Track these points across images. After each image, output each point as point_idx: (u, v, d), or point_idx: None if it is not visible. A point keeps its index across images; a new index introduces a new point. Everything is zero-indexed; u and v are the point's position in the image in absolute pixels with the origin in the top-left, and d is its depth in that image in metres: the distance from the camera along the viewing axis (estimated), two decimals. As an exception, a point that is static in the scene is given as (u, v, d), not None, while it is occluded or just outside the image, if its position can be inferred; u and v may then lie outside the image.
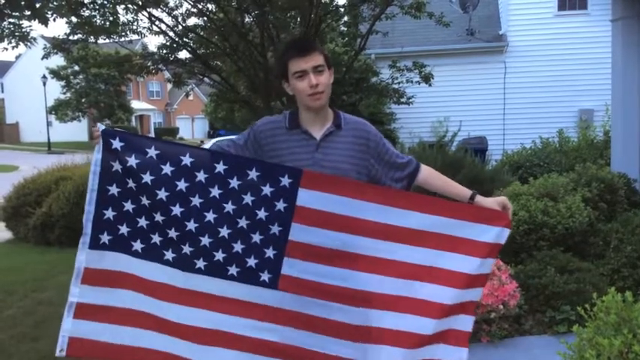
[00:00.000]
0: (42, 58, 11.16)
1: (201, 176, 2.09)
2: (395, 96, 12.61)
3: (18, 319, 4.89)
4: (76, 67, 34.96)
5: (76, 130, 40.09)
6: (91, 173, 2.10)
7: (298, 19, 10.76)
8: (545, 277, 4.25)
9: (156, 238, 2.14)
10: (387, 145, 2.37)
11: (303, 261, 2.14)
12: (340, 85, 11.38)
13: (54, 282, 6.06)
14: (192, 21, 11.43)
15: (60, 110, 36.43)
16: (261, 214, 2.12)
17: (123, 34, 10.70)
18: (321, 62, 2.19)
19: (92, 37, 9.98)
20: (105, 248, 2.14)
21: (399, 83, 12.43)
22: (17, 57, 44.11)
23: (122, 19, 10.26)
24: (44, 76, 33.91)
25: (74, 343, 2.15)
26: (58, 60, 22.71)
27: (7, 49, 9.48)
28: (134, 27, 10.69)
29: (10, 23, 6.38)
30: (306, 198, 2.12)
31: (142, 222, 2.13)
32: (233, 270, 2.15)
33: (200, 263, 2.14)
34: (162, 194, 2.08)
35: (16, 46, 6.97)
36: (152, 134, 46.51)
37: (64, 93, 36.60)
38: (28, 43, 6.77)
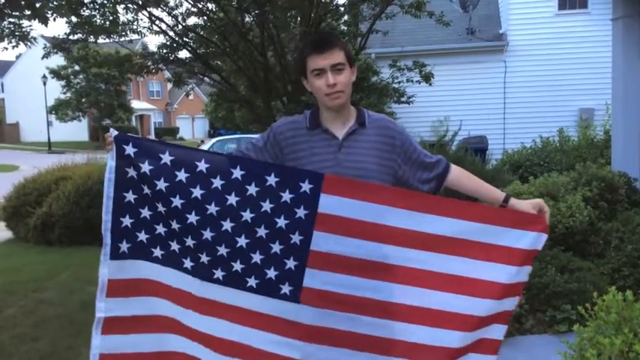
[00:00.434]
0: (42, 58, 11.18)
1: (217, 183, 2.01)
2: (395, 95, 12.61)
3: (18, 319, 4.88)
4: (77, 67, 34.99)
5: (77, 129, 40.13)
6: (106, 180, 2.04)
7: (298, 18, 10.76)
8: (546, 277, 4.24)
9: (174, 246, 2.08)
10: (414, 143, 2.22)
11: (325, 272, 2.03)
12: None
13: (54, 282, 6.07)
14: (192, 20, 11.46)
15: (60, 110, 36.44)
16: (281, 222, 2.02)
17: (123, 33, 10.72)
18: (340, 60, 2.07)
19: (92, 36, 9.99)
20: (125, 257, 2.09)
21: (399, 83, 12.43)
22: (17, 57, 44.15)
23: (122, 18, 10.30)
24: (44, 76, 33.91)
25: (105, 359, 2.12)
26: (58, 60, 22.72)
27: (7, 48, 9.51)
28: (134, 26, 10.73)
29: (10, 23, 6.39)
30: (329, 204, 2.00)
31: (160, 229, 2.07)
32: (252, 282, 2.06)
33: (218, 273, 2.06)
34: (177, 202, 2.01)
35: (17, 46, 7.00)
36: (152, 134, 46.54)
37: (65, 93, 36.63)
38: (28, 43, 6.78)
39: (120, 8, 9.85)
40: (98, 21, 9.36)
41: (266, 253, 2.04)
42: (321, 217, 2.01)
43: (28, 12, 5.62)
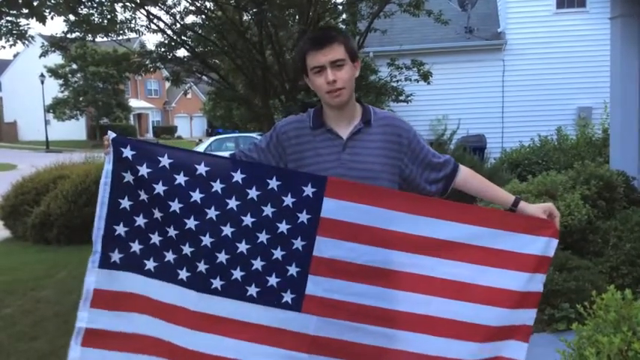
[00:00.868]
0: (40, 57, 11.18)
1: (217, 186, 1.94)
2: (393, 94, 12.59)
3: (16, 318, 4.88)
4: (74, 66, 34.89)
5: (74, 128, 40.06)
6: (102, 185, 1.96)
7: (297, 16, 10.75)
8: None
9: (169, 256, 1.99)
10: (422, 142, 2.16)
11: (328, 278, 1.96)
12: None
13: (52, 281, 6.06)
14: (190, 19, 11.45)
15: (58, 109, 36.38)
16: (283, 227, 1.95)
17: (121, 32, 10.71)
18: (340, 56, 1.98)
19: (90, 35, 9.97)
20: (116, 267, 1.99)
21: (397, 81, 12.42)
22: (15, 55, 44.01)
23: (120, 17, 10.29)
24: (42, 75, 33.87)
25: None
26: (56, 58, 22.64)
27: (4, 47, 9.47)
28: (132, 25, 10.72)
29: (7, 21, 6.37)
30: (332, 208, 1.94)
31: (155, 238, 1.99)
32: (252, 290, 1.98)
33: (217, 283, 1.98)
34: (175, 206, 1.94)
35: (14, 45, 6.99)
36: (150, 132, 46.49)
37: (62, 91, 36.57)
38: (26, 42, 6.76)
39: (118, 6, 9.85)
40: (96, 19, 9.35)
41: (267, 259, 1.98)
42: (324, 222, 1.95)
43: (25, 10, 5.59)
